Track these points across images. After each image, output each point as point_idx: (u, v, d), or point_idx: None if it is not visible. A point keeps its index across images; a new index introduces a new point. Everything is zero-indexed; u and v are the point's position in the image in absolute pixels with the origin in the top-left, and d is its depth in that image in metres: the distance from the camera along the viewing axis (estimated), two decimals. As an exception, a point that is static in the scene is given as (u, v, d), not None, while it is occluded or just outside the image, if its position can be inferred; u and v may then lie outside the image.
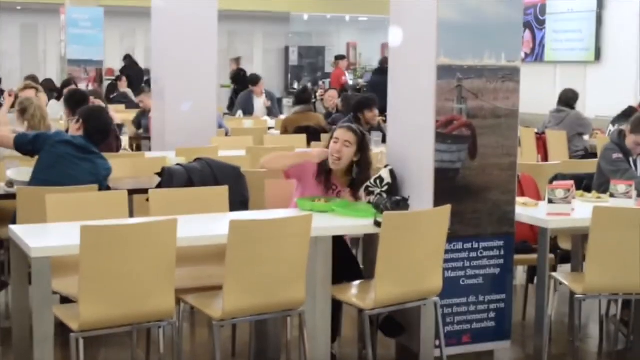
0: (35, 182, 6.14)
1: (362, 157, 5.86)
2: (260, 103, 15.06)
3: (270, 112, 14.97)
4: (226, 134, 10.70)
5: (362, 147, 5.87)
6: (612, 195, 6.21)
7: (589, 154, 9.60)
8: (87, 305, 4.56)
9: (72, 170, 6.11)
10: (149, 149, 9.28)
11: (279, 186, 6.05)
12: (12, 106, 9.22)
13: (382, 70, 16.86)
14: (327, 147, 5.88)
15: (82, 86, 13.32)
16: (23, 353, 5.03)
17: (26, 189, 6.02)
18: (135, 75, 15.82)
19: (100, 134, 6.43)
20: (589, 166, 7.44)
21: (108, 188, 6.35)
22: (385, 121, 8.92)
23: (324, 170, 5.84)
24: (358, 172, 5.88)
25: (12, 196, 6.19)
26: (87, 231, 4.50)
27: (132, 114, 12.40)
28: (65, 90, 8.50)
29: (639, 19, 13.93)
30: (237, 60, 18.32)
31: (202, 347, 6.04)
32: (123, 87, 14.84)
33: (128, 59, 18.44)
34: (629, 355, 6.11)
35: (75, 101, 7.30)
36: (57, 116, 10.01)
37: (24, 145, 6.31)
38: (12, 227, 5.17)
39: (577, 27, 15.37)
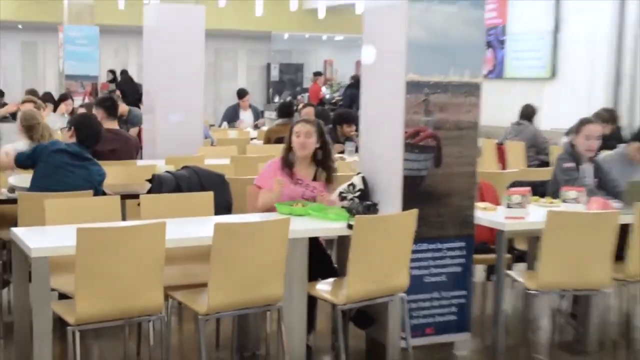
0: (33, 190, 6.13)
1: (322, 142, 5.92)
2: (246, 115, 15.06)
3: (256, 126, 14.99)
4: (212, 144, 10.70)
5: (321, 133, 5.93)
6: (564, 201, 6.28)
7: (544, 163, 9.65)
8: (83, 301, 4.57)
9: (68, 178, 6.11)
10: (140, 157, 9.26)
11: (267, 201, 6.06)
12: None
13: (356, 84, 16.98)
14: (289, 144, 5.92)
15: (78, 100, 13.27)
16: (24, 345, 5.04)
17: (26, 194, 6.02)
18: (130, 89, 15.76)
19: (91, 139, 6.42)
20: (544, 174, 7.49)
21: (103, 193, 6.35)
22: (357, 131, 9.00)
23: (287, 164, 5.89)
24: (322, 156, 5.93)
25: (14, 201, 6.18)
26: (83, 233, 4.51)
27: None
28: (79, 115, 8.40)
29: (591, 40, 14.02)
30: None
31: (188, 339, 6.04)
32: (124, 109, 14.76)
33: (124, 74, 18.41)
34: (578, 346, 6.15)
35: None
36: (55, 127, 9.97)
37: (24, 162, 6.30)
38: (13, 229, 5.17)
39: (534, 46, 15.42)
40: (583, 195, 6.24)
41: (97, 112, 8.43)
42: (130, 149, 8.28)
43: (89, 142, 6.42)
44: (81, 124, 6.57)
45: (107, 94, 11.77)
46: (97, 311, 4.64)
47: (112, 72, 18.89)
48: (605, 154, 6.96)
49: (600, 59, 13.90)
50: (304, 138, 5.85)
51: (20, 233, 4.99)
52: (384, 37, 5.93)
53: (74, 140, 6.38)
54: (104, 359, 5.83)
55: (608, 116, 9.48)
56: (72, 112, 9.22)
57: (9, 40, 23.30)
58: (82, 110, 9.02)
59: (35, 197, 5.84)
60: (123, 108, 11.58)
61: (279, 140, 10.12)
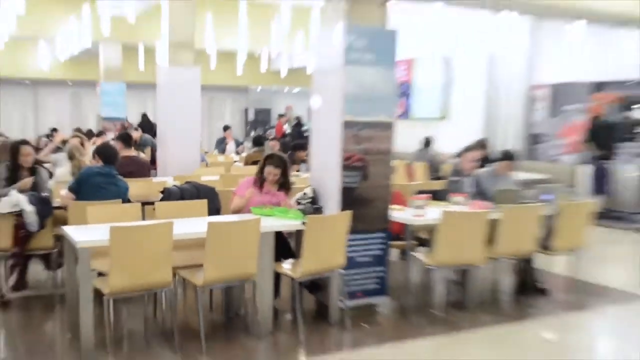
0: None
1: (284, 173, 5.90)
2: (231, 145, 15.00)
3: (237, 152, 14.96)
4: (206, 165, 10.64)
5: (284, 169, 5.90)
6: (453, 203, 6.35)
7: (439, 177, 9.69)
8: (114, 278, 4.57)
9: (104, 195, 6.07)
10: (155, 175, 9.18)
11: (239, 204, 6.04)
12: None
13: (299, 123, 18.09)
14: (261, 169, 5.92)
15: (110, 134, 13.14)
16: (73, 309, 4.98)
17: (74, 202, 5.95)
18: (148, 127, 15.58)
19: (112, 158, 6.44)
20: (439, 185, 7.52)
21: (128, 201, 6.31)
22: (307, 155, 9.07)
23: (259, 182, 5.89)
24: (283, 181, 5.91)
25: (65, 207, 6.13)
26: (114, 230, 4.52)
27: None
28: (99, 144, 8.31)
29: (470, 92, 14.18)
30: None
31: (189, 304, 5.99)
32: (137, 135, 14.69)
33: (144, 116, 18.19)
34: (463, 304, 6.17)
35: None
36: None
37: (75, 189, 6.24)
38: (64, 227, 5.15)
39: (431, 97, 15.53)
40: (466, 200, 6.34)
41: (117, 144, 8.38)
42: (143, 170, 8.20)
43: (111, 161, 6.42)
44: (102, 150, 6.60)
45: (124, 130, 11.68)
46: (124, 285, 4.64)
47: (145, 115, 18.79)
48: (481, 170, 7.02)
49: (476, 106, 14.07)
50: (272, 177, 5.87)
51: (70, 230, 4.97)
52: (327, 89, 5.93)
53: (100, 163, 6.38)
54: (129, 319, 5.76)
55: (482, 145, 9.57)
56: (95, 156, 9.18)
57: (62, 92, 23.06)
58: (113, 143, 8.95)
59: (80, 204, 5.78)
60: (136, 135, 11.51)
61: (254, 163, 10.09)
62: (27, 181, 6.37)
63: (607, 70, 14.52)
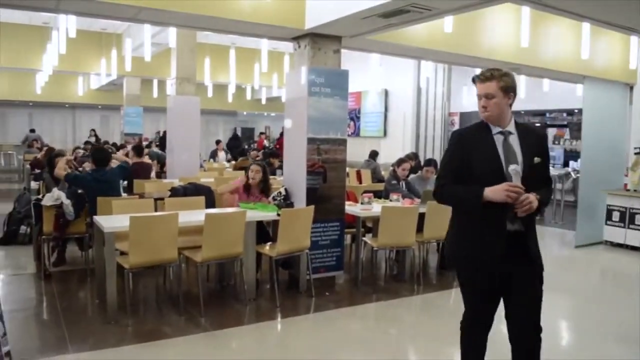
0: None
1: (264, 177, 5.87)
2: (221, 155, 14.90)
3: (228, 159, 14.85)
4: (204, 170, 10.55)
5: (264, 172, 5.89)
6: (390, 200, 6.33)
7: (380, 180, 9.67)
8: (133, 256, 4.47)
9: (99, 194, 5.81)
10: (165, 178, 9.06)
11: (229, 198, 5.96)
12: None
13: (282, 134, 17.09)
14: (247, 175, 5.87)
15: (129, 147, 12.93)
16: (101, 281, 4.86)
17: (101, 198, 5.79)
18: (163, 142, 15.36)
19: (103, 161, 6.21)
20: (380, 187, 7.53)
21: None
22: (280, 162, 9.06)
23: (247, 187, 5.82)
24: (263, 183, 5.87)
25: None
26: (134, 219, 4.43)
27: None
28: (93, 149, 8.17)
29: (402, 116, 14.26)
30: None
31: (191, 276, 5.91)
32: (154, 147, 14.48)
33: (163, 134, 18.03)
34: (399, 277, 6.19)
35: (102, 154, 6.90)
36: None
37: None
38: (95, 217, 5.06)
39: (374, 119, 15.59)
40: (400, 198, 6.32)
41: (132, 152, 8.46)
42: (148, 172, 8.30)
43: (103, 164, 6.20)
44: (95, 154, 6.36)
45: (138, 143, 11.53)
46: (140, 261, 4.52)
47: (158, 132, 18.57)
48: (412, 176, 7.03)
49: (408, 126, 14.15)
50: (255, 174, 5.82)
51: (99, 219, 4.85)
52: (295, 114, 5.87)
53: (93, 167, 6.26)
54: (144, 288, 5.64)
55: (413, 156, 9.60)
56: (127, 155, 9.01)
57: (93, 114, 22.73)
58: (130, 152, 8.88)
59: (106, 200, 5.64)
60: (146, 151, 11.36)
61: (241, 168, 10.04)
62: (61, 165, 6.14)
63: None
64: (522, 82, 12.31)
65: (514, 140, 2.80)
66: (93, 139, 15.47)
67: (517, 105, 12.51)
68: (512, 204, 2.63)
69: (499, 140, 2.78)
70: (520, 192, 2.62)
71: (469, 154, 2.77)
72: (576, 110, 14.35)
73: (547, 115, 15.80)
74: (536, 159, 2.78)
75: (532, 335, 2.86)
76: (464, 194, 2.75)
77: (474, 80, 2.84)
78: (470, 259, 2.81)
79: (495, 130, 2.80)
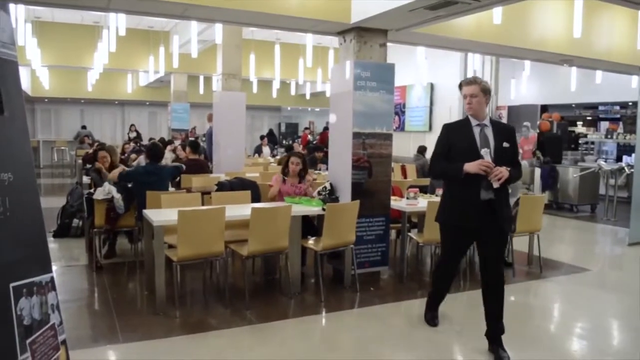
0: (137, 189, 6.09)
1: (303, 166, 5.90)
2: (266, 150, 15.02)
3: (272, 154, 14.96)
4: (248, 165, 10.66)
5: (304, 162, 5.91)
6: (436, 195, 6.23)
7: (426, 176, 9.57)
8: (181, 249, 4.53)
9: (149, 188, 5.91)
10: (211, 173, 9.19)
11: (274, 192, 5.98)
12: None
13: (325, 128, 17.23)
14: (286, 166, 5.92)
15: (177, 141, 13.16)
16: (150, 273, 4.97)
17: (150, 193, 5.90)
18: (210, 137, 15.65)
19: (157, 156, 6.34)
20: (425, 182, 7.45)
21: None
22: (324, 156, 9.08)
23: (286, 173, 5.90)
24: (302, 171, 5.90)
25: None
26: (182, 213, 4.48)
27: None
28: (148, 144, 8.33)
29: (448, 110, 14.04)
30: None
31: (237, 270, 5.97)
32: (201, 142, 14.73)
33: (209, 128, 18.37)
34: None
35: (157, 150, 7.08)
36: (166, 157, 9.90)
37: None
38: (144, 210, 5.16)
39: (420, 114, 15.43)
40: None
41: (188, 148, 8.41)
42: (204, 169, 8.23)
43: (156, 159, 6.34)
44: (150, 150, 6.51)
45: (194, 139, 11.67)
46: (188, 254, 4.58)
47: (194, 128, 18.91)
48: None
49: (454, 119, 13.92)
50: (295, 166, 5.87)
51: (148, 213, 4.94)
52: (341, 109, 5.86)
53: (147, 161, 6.38)
54: (191, 281, 5.73)
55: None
56: (174, 150, 9.16)
57: (141, 110, 23.20)
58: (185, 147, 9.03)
59: (155, 194, 5.75)
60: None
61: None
62: (115, 171, 6.38)
63: (551, 95, 14.38)
64: (573, 74, 11.96)
65: (489, 131, 3.83)
66: (134, 135, 15.77)
67: (568, 98, 12.32)
68: (485, 176, 3.65)
69: (477, 130, 3.83)
70: (490, 167, 3.63)
71: (453, 140, 3.89)
72: (630, 103, 13.87)
73: (600, 108, 15.33)
74: (505, 144, 3.79)
75: (495, 265, 3.88)
76: (450, 168, 3.83)
77: (460, 85, 3.93)
78: (453, 218, 3.93)
79: (474, 123, 3.85)
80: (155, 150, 6.45)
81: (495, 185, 3.63)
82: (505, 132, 3.86)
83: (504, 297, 3.89)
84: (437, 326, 4.43)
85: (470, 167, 3.67)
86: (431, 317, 4.50)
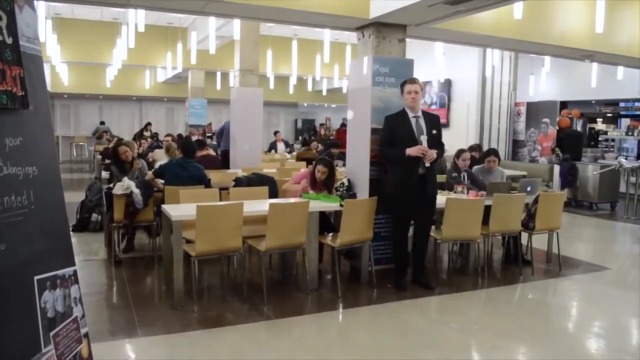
0: (168, 184, 6.15)
1: (330, 175, 5.78)
2: (280, 146, 15.04)
3: (288, 151, 14.97)
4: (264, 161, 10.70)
5: (330, 170, 5.79)
6: (454, 192, 6.20)
7: (442, 172, 9.52)
8: (200, 244, 4.55)
9: (181, 181, 6.05)
10: (229, 169, 9.23)
11: (292, 188, 6.00)
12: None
13: (343, 125, 17.06)
14: (313, 171, 5.78)
15: (194, 137, 13.21)
16: (168, 267, 5.02)
17: (169, 187, 5.96)
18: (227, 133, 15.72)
19: (189, 152, 6.47)
20: (443, 178, 7.38)
21: (206, 177, 6.34)
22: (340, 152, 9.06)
23: (314, 180, 5.77)
24: (328, 179, 5.78)
25: (162, 191, 6.17)
26: (200, 208, 4.51)
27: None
28: (183, 140, 8.39)
29: (465, 107, 13.93)
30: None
31: (254, 265, 5.99)
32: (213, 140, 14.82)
33: (227, 124, 18.45)
34: (463, 270, 6.08)
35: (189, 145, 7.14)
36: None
37: (156, 175, 6.35)
38: (163, 205, 5.19)
39: (438, 109, 15.34)
40: (464, 190, 6.18)
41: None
42: (215, 164, 8.31)
43: (189, 155, 6.44)
44: (183, 145, 6.62)
45: (200, 138, 11.74)
46: (206, 249, 4.61)
47: (209, 124, 19.02)
48: (475, 167, 6.87)
49: (472, 117, 13.81)
50: (321, 174, 5.75)
51: (167, 207, 4.97)
52: (359, 105, 5.86)
53: (181, 155, 6.44)
54: (209, 276, 5.76)
55: (476, 147, 9.35)
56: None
57: (159, 107, 23.34)
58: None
59: (173, 189, 5.79)
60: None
61: (303, 159, 10.10)
62: (138, 162, 6.50)
63: (570, 92, 14.22)
64: (593, 70, 11.81)
65: (422, 121, 5.08)
66: (148, 133, 15.85)
67: (588, 95, 12.19)
68: (422, 158, 4.94)
69: (413, 121, 5.08)
70: (426, 150, 4.93)
71: (395, 130, 5.09)
72: (653, 100, 13.64)
73: (621, 104, 15.12)
74: (434, 131, 5.07)
75: (424, 230, 5.33)
76: (396, 153, 5.05)
77: (404, 82, 5.17)
78: (399, 189, 5.13)
79: (411, 114, 5.11)
80: (187, 146, 6.57)
81: (427, 164, 4.98)
82: (433, 121, 5.16)
83: (426, 249, 5.45)
84: (406, 290, 5.22)
85: (411, 151, 4.94)
86: (401, 284, 5.28)
